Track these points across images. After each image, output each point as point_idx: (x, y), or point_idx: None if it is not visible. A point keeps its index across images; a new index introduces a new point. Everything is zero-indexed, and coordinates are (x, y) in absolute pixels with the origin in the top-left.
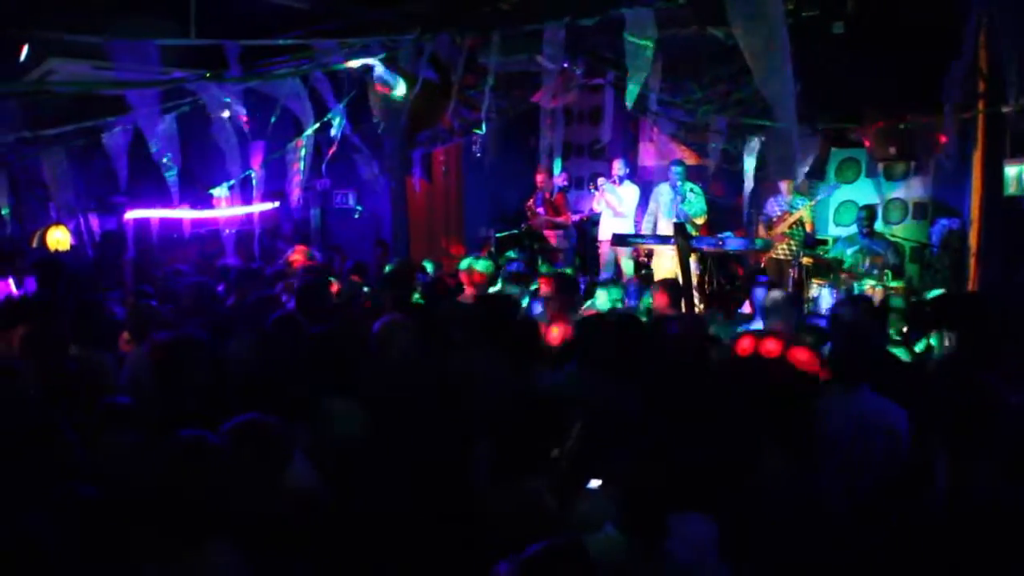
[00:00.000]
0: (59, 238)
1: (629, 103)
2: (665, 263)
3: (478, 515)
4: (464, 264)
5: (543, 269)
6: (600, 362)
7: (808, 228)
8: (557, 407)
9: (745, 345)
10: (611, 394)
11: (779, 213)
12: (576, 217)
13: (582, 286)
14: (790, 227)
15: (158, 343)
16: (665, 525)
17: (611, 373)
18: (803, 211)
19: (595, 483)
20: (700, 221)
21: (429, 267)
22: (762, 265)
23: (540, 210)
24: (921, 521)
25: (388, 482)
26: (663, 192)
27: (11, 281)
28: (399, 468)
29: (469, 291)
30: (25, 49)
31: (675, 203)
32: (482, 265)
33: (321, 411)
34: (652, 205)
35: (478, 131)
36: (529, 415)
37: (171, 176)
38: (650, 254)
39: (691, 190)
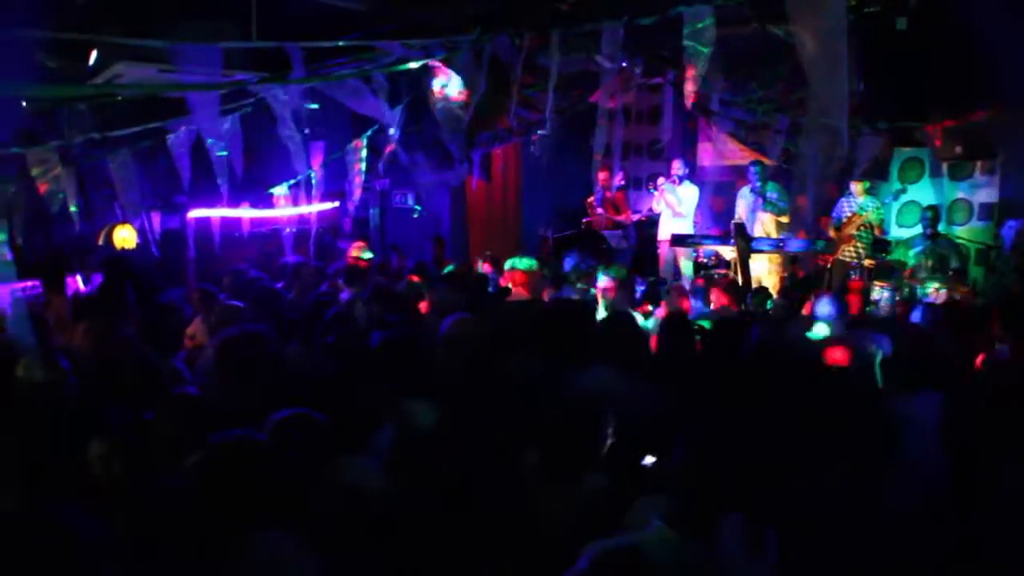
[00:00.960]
0: (125, 236)
1: (688, 104)
2: (759, 267)
3: (534, 517)
4: (508, 264)
5: (602, 270)
6: (629, 361)
7: (877, 231)
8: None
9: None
10: (642, 393)
11: (848, 214)
12: (636, 217)
13: (639, 288)
14: (858, 229)
15: (223, 338)
16: (715, 521)
17: (642, 372)
18: (870, 213)
19: (649, 459)
20: (784, 220)
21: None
22: (828, 267)
23: (599, 210)
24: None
25: (454, 482)
26: (744, 195)
27: (79, 278)
28: (466, 467)
29: (515, 291)
30: (94, 54)
31: (756, 204)
32: (524, 264)
33: (394, 412)
34: (737, 210)
35: (542, 131)
36: (576, 416)
37: (221, 155)
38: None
39: (771, 189)
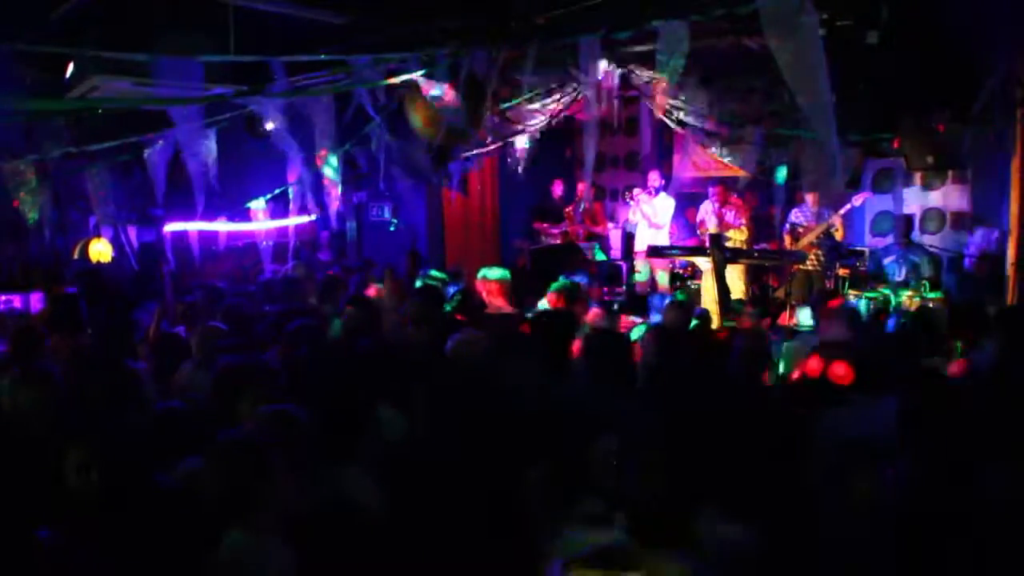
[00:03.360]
0: (100, 250)
1: (657, 113)
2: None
3: (531, 529)
4: (479, 274)
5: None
6: (611, 375)
7: (839, 237)
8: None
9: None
10: (629, 407)
11: (804, 223)
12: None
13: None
14: (817, 237)
15: (224, 367)
16: (670, 530)
17: (623, 386)
18: (833, 220)
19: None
20: (742, 235)
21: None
22: (792, 275)
23: (557, 227)
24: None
25: (445, 495)
26: (706, 208)
27: None
28: (457, 480)
29: (489, 301)
30: (71, 66)
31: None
32: (495, 274)
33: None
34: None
35: (521, 145)
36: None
37: (198, 168)
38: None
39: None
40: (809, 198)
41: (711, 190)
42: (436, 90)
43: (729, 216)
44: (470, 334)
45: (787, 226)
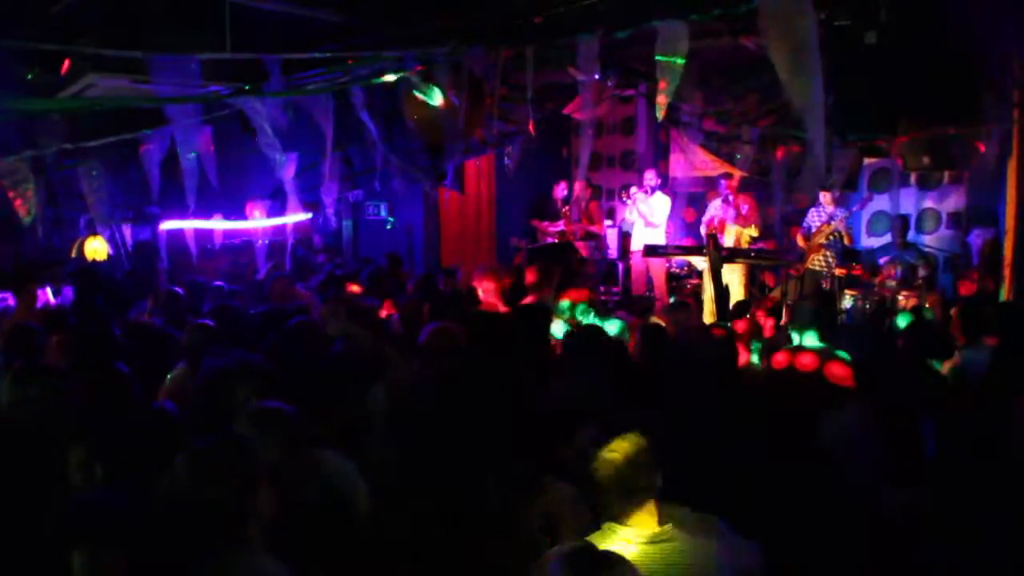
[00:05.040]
0: (96, 248)
1: (659, 116)
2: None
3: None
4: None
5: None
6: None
7: (847, 240)
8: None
9: (780, 359)
10: (626, 404)
11: (818, 224)
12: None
13: None
14: (827, 238)
15: (211, 369)
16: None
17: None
18: (840, 222)
19: None
20: (754, 232)
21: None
22: (799, 276)
23: (558, 224)
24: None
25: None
26: (715, 207)
27: (48, 290)
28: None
29: (486, 300)
30: (67, 63)
31: (726, 215)
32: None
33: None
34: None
35: (527, 144)
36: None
37: (191, 159)
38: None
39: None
40: (823, 198)
41: (722, 183)
42: (431, 93)
43: (745, 209)
44: (444, 326)
45: (804, 227)
